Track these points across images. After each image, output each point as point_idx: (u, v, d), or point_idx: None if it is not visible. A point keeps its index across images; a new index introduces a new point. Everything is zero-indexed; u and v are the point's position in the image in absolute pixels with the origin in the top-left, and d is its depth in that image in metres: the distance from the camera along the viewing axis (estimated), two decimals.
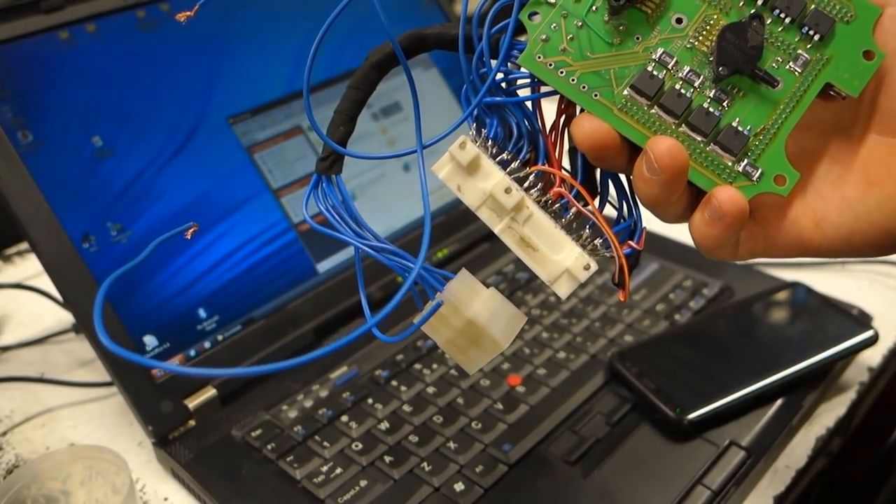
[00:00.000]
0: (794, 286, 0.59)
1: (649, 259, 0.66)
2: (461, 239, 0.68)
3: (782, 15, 0.31)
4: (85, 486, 0.47)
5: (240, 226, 0.58)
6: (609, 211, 0.33)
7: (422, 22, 0.71)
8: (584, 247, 0.31)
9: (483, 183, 0.31)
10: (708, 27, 0.31)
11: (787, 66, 0.31)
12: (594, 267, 0.31)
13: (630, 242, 0.32)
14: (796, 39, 0.31)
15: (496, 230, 0.32)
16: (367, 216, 0.70)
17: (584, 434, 0.50)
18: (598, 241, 0.32)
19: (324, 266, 0.61)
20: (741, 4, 0.31)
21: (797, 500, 0.51)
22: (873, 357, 0.57)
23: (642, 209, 0.33)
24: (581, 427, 0.50)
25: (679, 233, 0.68)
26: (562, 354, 0.56)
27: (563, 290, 0.31)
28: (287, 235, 0.60)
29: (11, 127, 0.50)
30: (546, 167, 0.32)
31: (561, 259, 0.31)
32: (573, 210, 0.32)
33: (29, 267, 0.75)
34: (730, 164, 0.31)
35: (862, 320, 0.56)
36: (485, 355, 0.33)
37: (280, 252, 0.60)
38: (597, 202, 0.33)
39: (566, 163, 0.33)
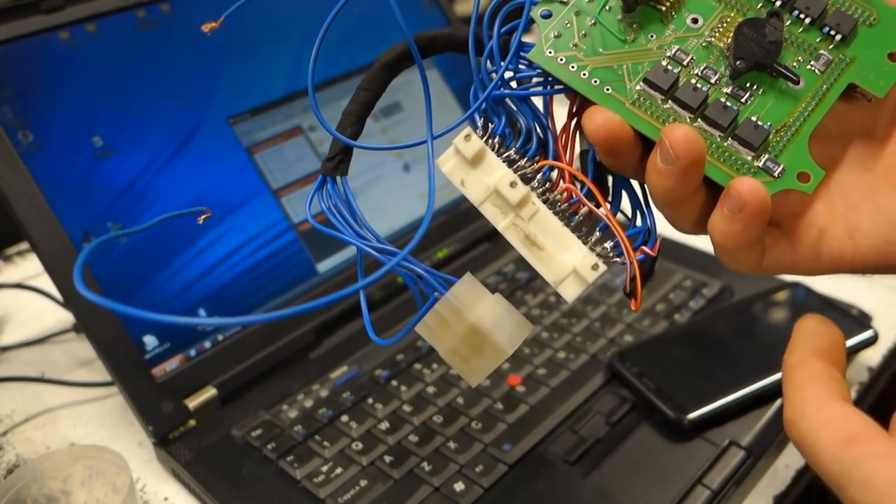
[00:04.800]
0: (794, 286, 0.59)
1: None
2: (461, 239, 0.68)
3: (802, 16, 0.30)
4: (85, 486, 0.47)
5: (240, 226, 0.58)
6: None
7: (422, 22, 0.71)
8: (592, 250, 0.30)
9: (487, 177, 0.30)
10: (724, 26, 0.31)
11: (809, 66, 0.30)
12: (603, 267, 0.29)
13: (644, 248, 0.31)
14: (817, 40, 0.30)
15: (500, 227, 0.30)
16: (367, 216, 0.69)
17: (584, 434, 0.50)
18: (608, 245, 0.30)
19: (324, 266, 0.62)
20: (759, 6, 0.31)
21: (797, 500, 0.51)
22: (873, 357, 0.57)
23: (657, 217, 0.31)
24: (581, 427, 0.50)
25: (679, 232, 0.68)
26: (562, 354, 0.56)
27: (569, 292, 0.30)
28: (287, 235, 0.60)
29: (12, 127, 0.50)
30: (556, 162, 0.31)
31: (568, 259, 0.30)
32: (583, 210, 0.30)
33: (29, 267, 0.75)
34: (749, 158, 0.30)
35: (862, 320, 0.56)
36: (488, 364, 0.31)
37: (280, 252, 0.60)
38: (609, 206, 0.31)
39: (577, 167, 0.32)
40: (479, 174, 0.31)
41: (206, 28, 0.32)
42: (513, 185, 0.30)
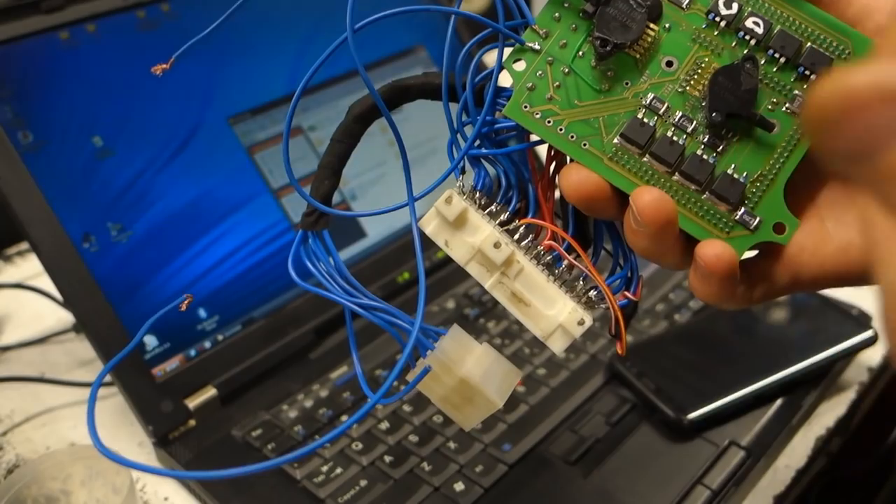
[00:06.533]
0: None
1: None
2: None
3: (776, 55, 0.30)
4: (85, 486, 0.47)
5: (240, 226, 0.58)
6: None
7: (420, 24, 0.71)
8: (578, 298, 0.31)
9: (471, 238, 0.30)
10: (700, 70, 0.30)
11: (784, 108, 0.30)
12: (589, 322, 0.30)
13: (626, 293, 0.31)
14: (792, 80, 0.30)
15: (486, 286, 0.31)
16: (368, 216, 0.69)
17: (584, 434, 0.50)
18: (592, 294, 0.31)
19: None
20: (733, 45, 0.30)
21: (797, 500, 0.51)
22: (873, 357, 0.57)
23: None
24: (581, 427, 0.50)
25: None
26: (562, 354, 0.56)
27: (557, 345, 0.31)
28: (287, 235, 0.60)
29: (12, 127, 0.50)
30: (536, 220, 0.31)
31: (554, 314, 0.30)
32: (565, 262, 0.31)
33: (29, 267, 0.75)
34: (726, 212, 0.29)
35: (862, 320, 0.56)
36: (480, 413, 0.32)
37: (280, 252, 0.60)
38: (590, 253, 0.32)
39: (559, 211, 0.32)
40: (463, 235, 0.31)
41: (157, 70, 0.32)
42: (496, 245, 0.30)
